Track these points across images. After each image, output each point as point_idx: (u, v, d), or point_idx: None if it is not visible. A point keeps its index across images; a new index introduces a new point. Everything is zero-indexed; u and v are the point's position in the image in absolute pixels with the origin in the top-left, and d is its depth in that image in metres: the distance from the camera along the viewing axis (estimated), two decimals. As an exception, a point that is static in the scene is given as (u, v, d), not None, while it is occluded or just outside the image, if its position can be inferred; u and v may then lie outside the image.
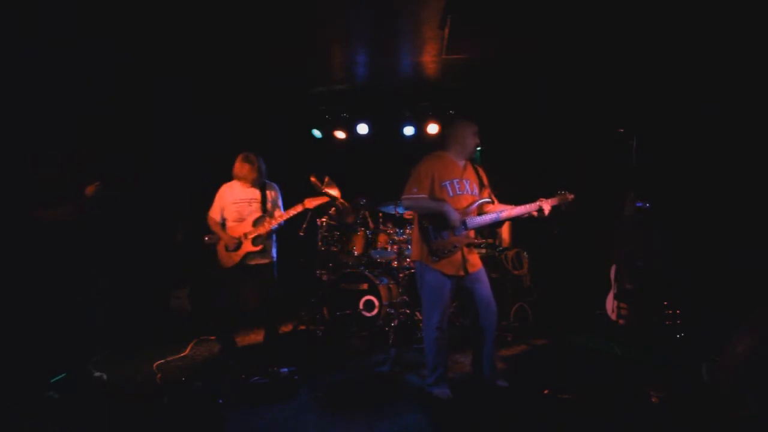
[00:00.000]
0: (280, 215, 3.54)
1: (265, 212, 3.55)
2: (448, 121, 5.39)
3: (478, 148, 3.08)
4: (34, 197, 3.24)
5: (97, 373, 3.23)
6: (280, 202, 3.72)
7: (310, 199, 3.57)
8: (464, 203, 2.86)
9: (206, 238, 3.65)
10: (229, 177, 3.65)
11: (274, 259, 3.64)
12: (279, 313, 3.82)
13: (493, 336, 2.86)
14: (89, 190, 3.21)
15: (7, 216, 3.32)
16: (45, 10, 3.19)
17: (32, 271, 3.31)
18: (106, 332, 3.65)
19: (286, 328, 4.57)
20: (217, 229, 3.56)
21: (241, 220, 3.54)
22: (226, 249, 3.51)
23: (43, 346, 3.30)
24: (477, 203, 2.88)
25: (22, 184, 3.27)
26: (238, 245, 3.47)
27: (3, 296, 3.22)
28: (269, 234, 3.55)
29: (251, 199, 3.56)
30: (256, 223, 3.49)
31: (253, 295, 3.62)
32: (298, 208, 3.54)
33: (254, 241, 3.46)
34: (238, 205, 3.55)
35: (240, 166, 3.55)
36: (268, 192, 3.62)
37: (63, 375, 3.12)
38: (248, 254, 3.48)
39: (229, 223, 3.56)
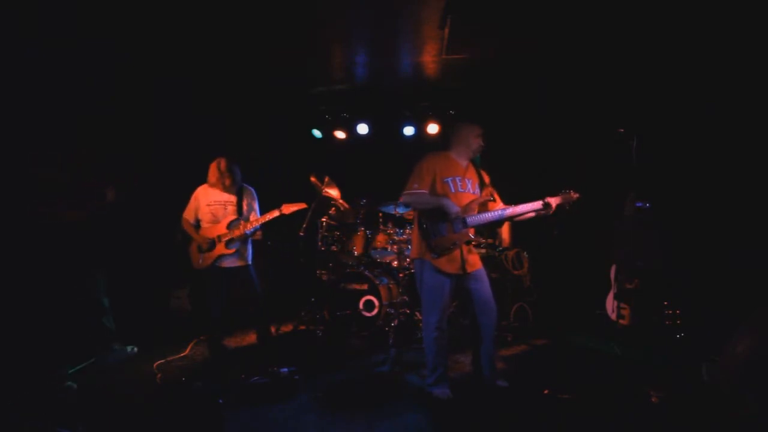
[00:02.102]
0: (255, 219, 3.53)
1: (241, 215, 3.53)
2: (450, 121, 5.41)
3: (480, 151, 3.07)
4: (35, 197, 3.26)
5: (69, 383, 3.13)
6: (256, 206, 3.71)
7: (288, 205, 3.53)
8: (465, 200, 2.86)
9: None
10: None
11: (250, 262, 3.62)
12: (269, 314, 3.81)
13: (493, 336, 2.85)
14: (110, 195, 3.41)
15: (7, 216, 3.33)
16: (45, 10, 3.19)
17: (32, 270, 3.32)
18: (107, 332, 3.66)
19: (286, 328, 4.57)
20: (190, 230, 3.56)
21: (215, 222, 3.53)
22: (199, 250, 3.49)
23: (43, 346, 3.32)
24: (478, 201, 2.89)
25: (23, 183, 3.30)
26: (212, 245, 3.45)
27: (2, 296, 3.23)
28: (244, 238, 3.52)
29: (226, 201, 3.55)
30: (231, 225, 3.48)
31: (231, 295, 3.61)
32: (275, 213, 3.51)
33: (228, 244, 3.45)
34: (212, 207, 3.54)
35: (211, 173, 3.56)
36: (244, 196, 3.61)
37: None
38: (221, 256, 3.47)
39: (204, 225, 3.56)
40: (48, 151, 3.50)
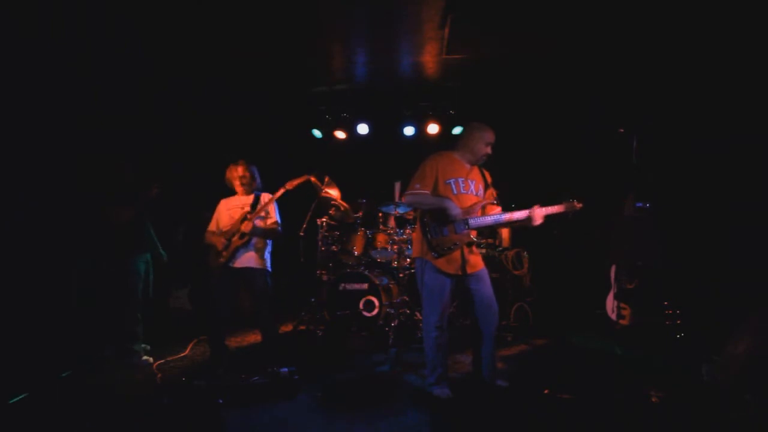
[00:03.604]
0: (264, 203, 3.51)
1: (254, 211, 3.53)
2: (448, 121, 5.42)
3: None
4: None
5: (145, 357, 3.65)
6: (273, 209, 3.69)
7: (290, 181, 3.54)
8: (468, 203, 2.85)
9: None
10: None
11: (269, 268, 3.58)
12: (276, 323, 3.76)
13: (493, 336, 2.85)
14: (153, 191, 3.62)
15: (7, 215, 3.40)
16: (44, 11, 3.20)
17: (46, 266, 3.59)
18: (109, 329, 3.68)
19: (286, 328, 4.57)
20: (212, 238, 3.54)
21: (233, 222, 3.53)
22: (216, 251, 3.50)
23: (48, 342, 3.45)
24: (481, 204, 2.88)
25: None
26: (227, 245, 3.45)
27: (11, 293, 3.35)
28: (258, 232, 3.48)
29: (244, 203, 3.56)
30: (244, 218, 3.47)
31: (245, 299, 3.60)
32: (280, 191, 3.52)
33: (241, 236, 3.44)
34: (231, 210, 3.55)
35: (227, 172, 3.60)
36: (261, 197, 3.61)
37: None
38: (236, 251, 3.46)
39: (224, 230, 3.55)
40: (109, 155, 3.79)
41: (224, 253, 3.44)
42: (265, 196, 3.65)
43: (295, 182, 3.56)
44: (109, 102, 4.33)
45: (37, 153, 3.68)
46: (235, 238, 3.44)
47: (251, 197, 3.59)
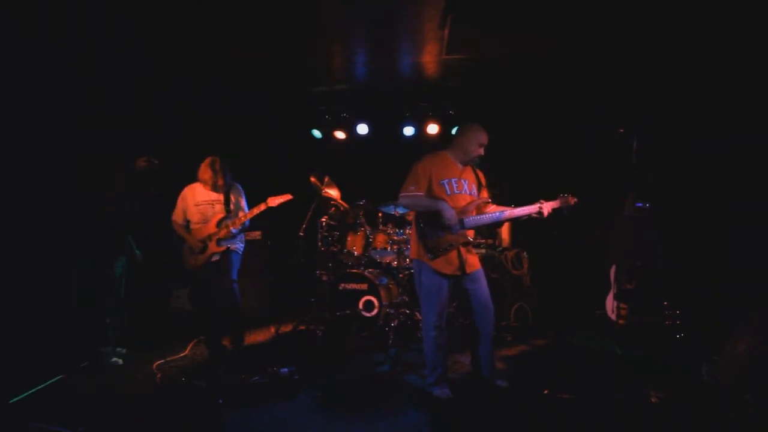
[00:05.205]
0: (243, 215, 3.52)
1: (229, 213, 3.53)
2: (448, 121, 5.42)
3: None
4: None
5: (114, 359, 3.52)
6: (243, 203, 3.69)
7: (273, 197, 3.52)
8: (462, 202, 2.84)
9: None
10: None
11: (231, 248, 3.59)
12: (242, 312, 3.74)
13: (491, 336, 2.85)
14: (140, 164, 3.56)
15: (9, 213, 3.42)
16: (44, 11, 3.20)
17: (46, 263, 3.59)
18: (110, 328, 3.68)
19: (286, 328, 4.57)
20: (181, 231, 3.56)
21: (205, 221, 3.53)
22: (191, 251, 3.49)
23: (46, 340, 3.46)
24: (475, 203, 2.87)
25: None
26: (203, 249, 3.45)
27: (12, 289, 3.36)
28: (234, 236, 3.52)
29: (214, 200, 3.54)
30: (220, 224, 3.47)
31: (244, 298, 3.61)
32: (261, 207, 3.51)
33: (218, 243, 3.44)
34: (201, 207, 3.54)
35: (203, 171, 3.57)
36: (231, 193, 3.60)
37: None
38: (213, 255, 3.48)
39: (194, 226, 3.55)
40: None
41: (200, 257, 3.44)
42: (236, 191, 3.63)
43: (278, 200, 3.51)
44: (109, 102, 4.33)
45: (37, 153, 3.68)
46: (212, 243, 3.44)
47: (221, 194, 3.57)
